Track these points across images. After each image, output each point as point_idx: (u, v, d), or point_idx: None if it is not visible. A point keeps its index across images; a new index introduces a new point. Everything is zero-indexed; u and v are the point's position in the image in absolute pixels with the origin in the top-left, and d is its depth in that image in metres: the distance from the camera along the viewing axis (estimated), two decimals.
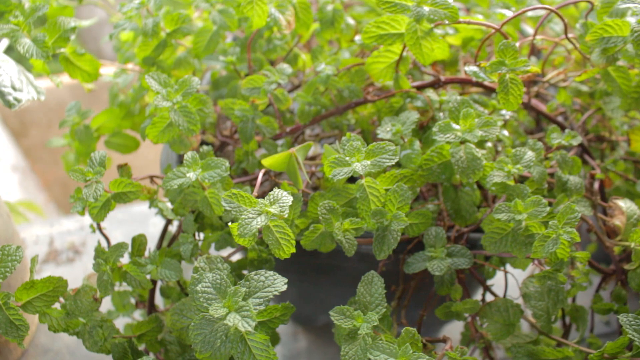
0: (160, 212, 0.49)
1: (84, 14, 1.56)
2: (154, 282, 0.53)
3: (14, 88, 0.51)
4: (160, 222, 0.88)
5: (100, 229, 0.52)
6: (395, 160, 0.40)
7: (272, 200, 0.37)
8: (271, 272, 0.39)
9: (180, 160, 0.57)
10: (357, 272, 0.46)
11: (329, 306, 0.68)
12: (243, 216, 0.36)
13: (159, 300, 0.59)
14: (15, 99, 0.51)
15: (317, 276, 0.60)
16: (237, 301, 0.37)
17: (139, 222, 0.87)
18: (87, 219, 0.89)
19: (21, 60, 0.59)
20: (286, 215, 0.38)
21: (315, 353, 0.73)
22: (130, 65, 0.66)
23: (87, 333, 0.49)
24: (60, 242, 0.86)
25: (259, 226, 0.36)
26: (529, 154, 0.43)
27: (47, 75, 0.58)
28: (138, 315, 0.66)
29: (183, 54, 0.54)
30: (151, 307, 0.54)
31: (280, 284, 0.38)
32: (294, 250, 0.38)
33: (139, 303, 0.56)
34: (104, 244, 0.71)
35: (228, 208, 0.37)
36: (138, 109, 0.62)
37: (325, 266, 0.57)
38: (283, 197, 0.37)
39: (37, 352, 0.73)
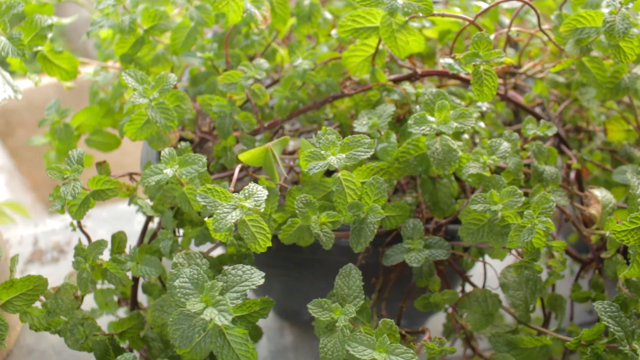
0: (140, 209, 0.50)
1: (70, 12, 1.55)
2: (135, 280, 0.53)
3: None
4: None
5: (80, 226, 0.53)
6: (371, 153, 0.41)
7: (247, 194, 0.37)
8: (248, 267, 0.39)
9: (159, 157, 0.57)
10: (339, 266, 0.47)
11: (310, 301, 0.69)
12: (218, 211, 0.36)
13: (142, 298, 0.59)
14: None
15: (300, 270, 0.61)
16: (214, 296, 0.37)
17: (124, 220, 0.87)
18: (70, 218, 0.89)
19: None
20: (262, 210, 0.38)
21: (302, 347, 0.74)
22: (110, 63, 0.66)
23: (69, 331, 0.49)
24: (44, 242, 0.86)
25: (233, 220, 0.36)
26: (505, 145, 0.43)
27: (24, 73, 0.58)
28: (122, 313, 0.66)
29: (161, 51, 0.54)
30: (134, 304, 0.54)
31: (257, 277, 0.39)
32: (269, 244, 0.38)
33: (121, 300, 0.56)
34: (85, 242, 0.71)
35: (203, 203, 0.37)
36: (118, 107, 0.62)
37: (307, 260, 0.58)
38: (258, 192, 0.38)
39: (23, 353, 0.73)
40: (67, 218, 0.89)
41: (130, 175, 0.51)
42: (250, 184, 0.38)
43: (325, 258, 0.56)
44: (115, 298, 0.61)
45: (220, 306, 0.37)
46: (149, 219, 0.53)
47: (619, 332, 0.39)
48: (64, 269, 0.84)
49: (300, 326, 0.76)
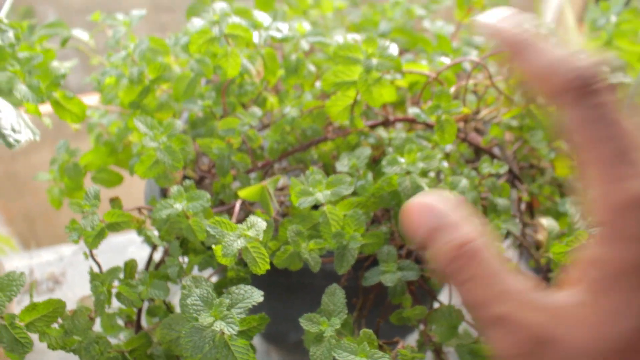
0: (148, 239, 0.58)
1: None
2: (140, 307, 0.61)
3: (13, 130, 0.59)
4: (136, 251, 0.96)
5: (92, 255, 0.60)
6: (352, 190, 0.50)
7: (249, 225, 0.46)
8: (249, 286, 0.48)
9: (163, 193, 0.66)
10: (323, 289, 0.55)
11: (297, 325, 0.78)
12: (225, 239, 0.45)
13: (142, 321, 0.67)
14: (15, 140, 0.59)
15: (288, 295, 0.69)
16: (222, 311, 0.46)
17: (118, 251, 0.95)
18: (65, 250, 0.97)
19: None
20: (261, 238, 0.47)
21: None
22: (112, 107, 0.75)
23: (84, 349, 0.57)
24: (40, 273, 0.93)
25: (239, 247, 0.45)
26: (464, 182, 0.53)
27: (39, 116, 0.67)
28: (122, 337, 0.73)
29: (164, 98, 0.63)
30: (138, 326, 0.62)
31: (257, 295, 0.47)
32: (268, 267, 0.47)
33: (127, 323, 0.64)
34: (96, 269, 0.78)
35: (212, 233, 0.46)
36: (121, 147, 0.70)
37: (295, 285, 0.66)
38: (258, 223, 0.46)
39: None
40: (60, 250, 0.97)
41: (139, 209, 0.60)
42: (250, 216, 0.47)
43: (311, 282, 0.64)
44: (120, 321, 0.69)
45: (228, 319, 0.45)
46: (154, 248, 0.61)
47: None
48: (60, 298, 0.91)
49: (286, 348, 0.84)
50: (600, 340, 0.28)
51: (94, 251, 0.97)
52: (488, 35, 0.34)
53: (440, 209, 0.33)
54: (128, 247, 0.96)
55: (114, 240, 0.96)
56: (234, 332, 0.44)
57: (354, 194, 0.55)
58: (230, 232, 0.46)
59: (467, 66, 0.71)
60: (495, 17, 0.33)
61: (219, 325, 0.45)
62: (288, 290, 0.69)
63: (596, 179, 0.29)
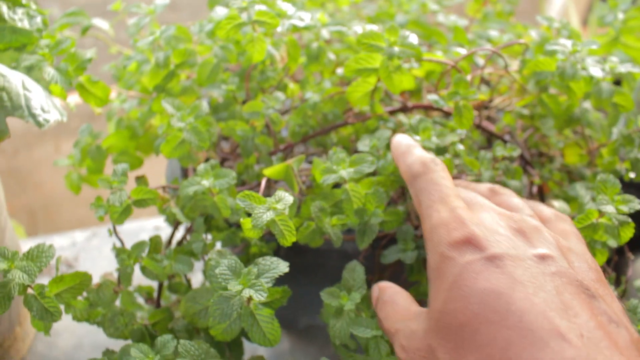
0: (172, 217, 0.61)
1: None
2: (161, 282, 0.64)
3: (43, 110, 0.62)
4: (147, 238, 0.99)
5: (116, 232, 0.63)
6: (373, 169, 0.53)
7: (277, 199, 0.49)
8: (275, 258, 0.51)
9: (184, 175, 0.68)
10: (337, 271, 0.58)
11: (309, 309, 0.81)
12: (255, 211, 0.48)
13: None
14: (45, 119, 0.61)
15: (302, 276, 0.72)
16: (250, 279, 0.48)
17: (130, 237, 0.97)
18: (78, 236, 0.99)
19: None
20: (287, 213, 0.50)
21: (298, 352, 0.84)
22: (132, 92, 0.78)
23: (109, 321, 0.59)
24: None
25: (268, 219, 0.48)
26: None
27: (64, 99, 0.70)
28: (139, 316, 0.76)
29: (188, 83, 0.66)
30: (158, 303, 0.65)
31: (283, 266, 0.50)
32: (294, 239, 0.50)
33: (147, 300, 0.66)
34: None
35: (242, 205, 0.49)
36: (142, 132, 0.73)
37: (310, 266, 0.69)
38: (286, 197, 0.49)
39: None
40: (73, 235, 0.99)
41: (164, 187, 0.62)
42: (278, 191, 0.50)
43: (326, 262, 0.67)
44: (140, 300, 0.71)
45: (257, 287, 0.48)
46: (175, 228, 0.64)
47: None
48: None
49: (296, 333, 0.87)
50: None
51: (104, 236, 1.00)
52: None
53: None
54: (139, 234, 0.98)
55: (125, 227, 0.99)
56: (262, 298, 0.47)
57: (374, 174, 0.58)
58: (259, 205, 0.49)
59: (479, 60, 0.75)
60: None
61: (248, 292, 0.48)
62: (303, 272, 0.71)
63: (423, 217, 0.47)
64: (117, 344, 0.60)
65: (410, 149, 0.51)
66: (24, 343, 0.82)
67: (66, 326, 0.84)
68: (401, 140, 0.53)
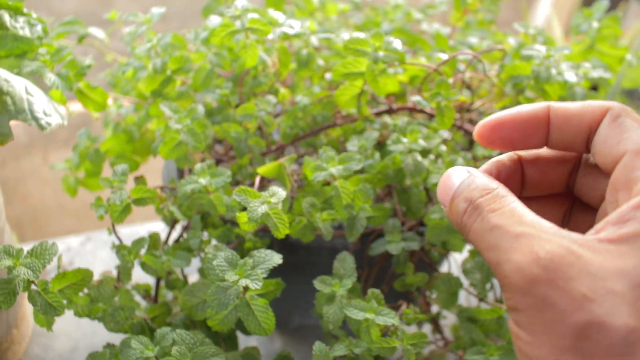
0: (170, 215, 0.65)
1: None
2: (158, 278, 0.68)
3: (45, 114, 0.66)
4: None
5: (115, 230, 0.67)
6: (361, 166, 0.58)
7: (271, 193, 0.53)
8: (269, 250, 0.55)
9: (180, 175, 0.72)
10: (328, 269, 0.62)
11: (301, 308, 0.85)
12: (251, 205, 0.52)
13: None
14: (47, 122, 0.65)
15: (294, 274, 0.76)
16: (247, 270, 0.52)
17: (124, 241, 1.01)
18: (72, 241, 1.02)
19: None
20: (280, 207, 0.54)
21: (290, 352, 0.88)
22: (128, 98, 0.82)
23: (109, 315, 0.63)
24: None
25: (263, 212, 0.52)
26: (460, 161, 0.61)
27: (63, 104, 0.73)
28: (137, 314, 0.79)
29: (184, 88, 0.71)
30: (156, 297, 0.68)
31: (277, 258, 0.54)
32: (288, 231, 0.54)
33: (145, 297, 0.70)
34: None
35: (238, 200, 0.53)
36: (139, 136, 0.77)
37: (302, 263, 0.73)
38: (279, 192, 0.54)
39: None
40: (68, 240, 1.03)
41: (161, 187, 0.66)
42: (272, 186, 0.54)
43: (317, 260, 0.71)
44: (137, 297, 0.75)
45: (253, 277, 0.52)
46: (174, 223, 0.67)
47: None
48: None
49: (288, 333, 0.90)
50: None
51: (99, 240, 1.03)
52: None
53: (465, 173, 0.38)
54: (133, 239, 1.01)
55: (120, 232, 1.02)
56: (258, 287, 0.51)
57: (361, 172, 0.63)
58: (254, 199, 0.53)
59: (462, 66, 0.80)
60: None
61: (244, 282, 0.52)
62: (295, 270, 0.75)
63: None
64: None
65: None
66: (20, 346, 0.85)
67: (62, 329, 0.87)
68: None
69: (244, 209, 0.53)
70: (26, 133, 1.51)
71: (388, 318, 0.54)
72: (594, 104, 0.36)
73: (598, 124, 0.36)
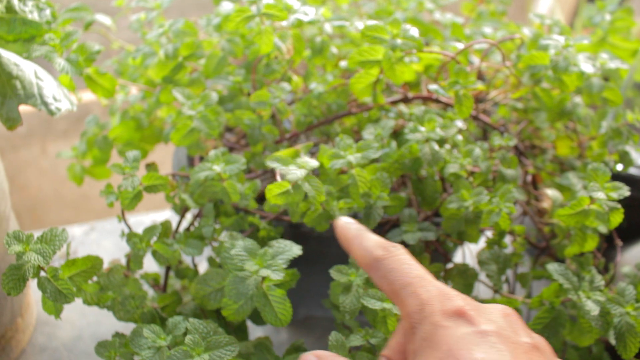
0: (182, 203, 0.63)
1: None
2: (167, 267, 0.67)
3: (54, 99, 0.64)
4: None
5: (124, 218, 0.66)
6: (379, 155, 0.57)
7: (303, 162, 0.52)
8: (288, 241, 0.54)
9: (190, 163, 0.71)
10: (339, 260, 0.61)
11: (307, 299, 0.84)
12: (290, 168, 0.51)
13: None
14: (57, 108, 0.64)
15: (302, 266, 0.75)
16: (267, 259, 0.51)
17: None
18: (76, 230, 1.01)
19: None
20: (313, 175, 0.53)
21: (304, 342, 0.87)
22: (136, 85, 0.80)
23: (119, 304, 0.62)
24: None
25: (302, 176, 0.51)
26: (477, 150, 0.60)
27: (72, 90, 0.72)
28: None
29: (196, 75, 0.69)
30: (165, 287, 0.67)
31: (297, 249, 0.53)
32: (323, 198, 0.53)
33: (154, 286, 0.69)
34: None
35: (274, 166, 0.52)
36: (147, 123, 0.76)
37: (312, 254, 0.72)
38: (310, 161, 0.53)
39: (35, 351, 0.84)
40: (72, 230, 1.01)
41: (173, 175, 0.65)
42: (302, 157, 0.53)
43: (329, 250, 0.70)
44: (145, 287, 0.73)
45: (273, 267, 0.51)
46: (185, 211, 0.66)
47: (567, 284, 0.55)
48: None
49: (295, 324, 0.89)
50: None
51: (103, 230, 1.02)
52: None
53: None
54: (137, 229, 1.00)
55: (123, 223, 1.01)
56: (279, 278, 0.50)
57: (377, 161, 0.61)
58: (289, 165, 0.52)
59: (474, 57, 0.79)
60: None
61: (265, 272, 0.50)
62: (304, 261, 0.74)
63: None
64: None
65: (363, 233, 0.50)
66: (24, 334, 0.84)
67: (66, 318, 0.86)
68: (349, 224, 0.51)
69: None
70: (24, 123, 1.48)
71: None
72: None
73: None
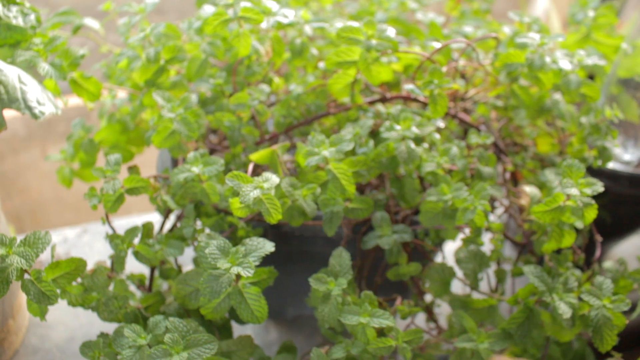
0: (164, 204, 0.64)
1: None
2: (152, 267, 0.68)
3: (38, 102, 0.65)
4: None
5: (108, 220, 0.66)
6: (352, 146, 0.57)
7: (264, 179, 0.53)
8: (261, 239, 0.54)
9: (174, 165, 0.72)
10: (322, 258, 0.62)
11: (296, 298, 0.84)
12: (243, 189, 0.52)
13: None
14: (40, 111, 0.65)
15: (288, 265, 0.76)
16: (239, 257, 0.52)
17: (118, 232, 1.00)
18: (69, 232, 1.02)
19: None
20: (273, 193, 0.54)
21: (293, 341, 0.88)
22: (122, 89, 0.81)
23: (103, 305, 0.63)
24: (45, 253, 0.98)
25: (255, 196, 0.51)
26: (454, 150, 0.60)
27: (57, 95, 0.73)
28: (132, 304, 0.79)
29: (178, 78, 0.70)
30: (151, 287, 0.68)
31: (269, 246, 0.54)
32: (280, 217, 0.53)
33: (139, 287, 0.70)
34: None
35: (231, 184, 0.52)
36: (133, 126, 0.77)
37: (295, 253, 0.73)
38: (272, 178, 0.53)
39: (28, 353, 0.85)
40: (64, 232, 1.02)
41: (155, 177, 0.66)
42: (265, 172, 0.54)
43: (311, 250, 0.71)
44: (131, 287, 0.74)
45: (244, 265, 0.52)
46: (168, 213, 0.67)
47: (542, 287, 0.56)
48: None
49: (284, 324, 0.90)
50: None
51: (95, 232, 1.03)
52: None
53: None
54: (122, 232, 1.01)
55: (115, 223, 1.02)
56: (250, 275, 0.51)
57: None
58: (247, 184, 0.52)
59: (456, 55, 0.79)
60: None
61: (236, 270, 0.51)
62: (289, 260, 0.75)
63: None
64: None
65: None
66: (17, 336, 0.85)
67: (59, 319, 0.87)
68: None
69: (238, 195, 0.52)
70: (24, 126, 1.50)
71: (382, 319, 0.53)
72: None
73: None
